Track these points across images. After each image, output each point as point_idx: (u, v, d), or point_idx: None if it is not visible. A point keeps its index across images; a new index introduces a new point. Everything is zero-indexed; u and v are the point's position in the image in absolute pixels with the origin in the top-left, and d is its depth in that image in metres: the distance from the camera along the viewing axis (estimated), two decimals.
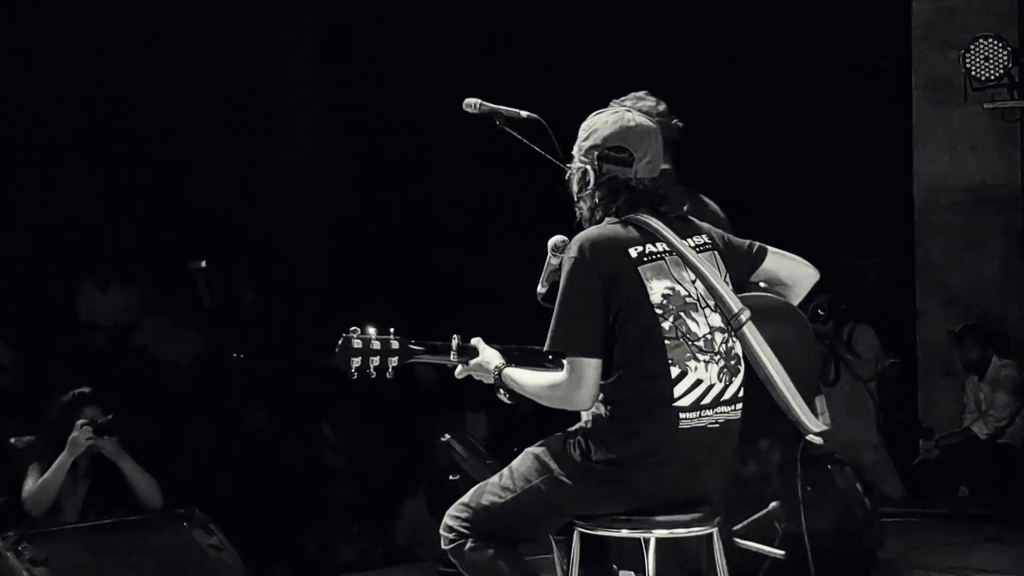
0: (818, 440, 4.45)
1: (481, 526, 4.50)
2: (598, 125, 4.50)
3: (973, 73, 10.29)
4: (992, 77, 10.27)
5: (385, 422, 11.53)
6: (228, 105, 14.00)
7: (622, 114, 4.52)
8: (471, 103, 5.44)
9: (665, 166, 4.62)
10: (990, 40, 10.27)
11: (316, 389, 11.14)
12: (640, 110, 4.81)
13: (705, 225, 4.59)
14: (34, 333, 11.99)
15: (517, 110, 5.28)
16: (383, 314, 12.93)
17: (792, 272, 4.68)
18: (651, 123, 4.53)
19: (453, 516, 4.56)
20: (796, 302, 4.68)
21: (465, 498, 4.57)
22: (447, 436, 10.05)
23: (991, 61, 10.24)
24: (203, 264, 12.96)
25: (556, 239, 4.76)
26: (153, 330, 12.34)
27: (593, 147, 4.46)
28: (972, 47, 10.30)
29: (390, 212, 14.23)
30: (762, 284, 4.63)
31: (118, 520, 6.74)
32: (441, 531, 4.58)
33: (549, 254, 4.76)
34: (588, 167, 4.46)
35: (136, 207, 14.42)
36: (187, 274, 13.07)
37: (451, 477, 9.68)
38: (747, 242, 4.64)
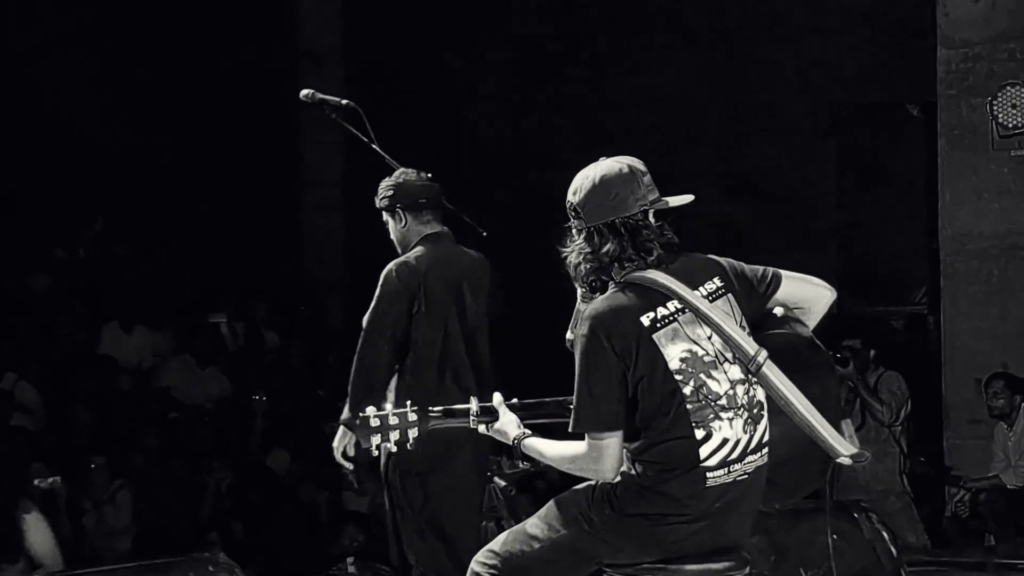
0: (849, 462, 4.40)
1: (509, 573, 4.48)
2: (579, 182, 4.46)
3: (1000, 120, 10.27)
4: (1019, 124, 10.25)
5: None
6: (251, 147, 14.02)
7: (589, 166, 4.49)
8: (306, 94, 6.55)
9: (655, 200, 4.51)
10: (1017, 87, 10.25)
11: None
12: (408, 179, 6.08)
13: (712, 262, 4.51)
14: (58, 375, 12.02)
15: (339, 99, 6.44)
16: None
17: (808, 294, 4.63)
18: (617, 163, 4.44)
19: (481, 563, 4.54)
20: (813, 324, 4.64)
21: (494, 544, 4.55)
22: (496, 480, 10.06)
23: (1018, 108, 10.23)
24: (224, 319, 13.00)
25: None
26: (176, 372, 12.36)
27: (574, 204, 4.43)
28: (999, 94, 10.28)
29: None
30: (778, 310, 4.59)
31: (144, 563, 6.72)
32: None
33: (579, 300, 4.75)
34: (573, 224, 4.45)
35: (159, 250, 14.47)
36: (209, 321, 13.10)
37: (484, 523, 9.69)
38: (760, 269, 4.57)
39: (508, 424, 4.54)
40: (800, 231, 12.59)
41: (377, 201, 6.48)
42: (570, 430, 4.35)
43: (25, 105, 14.47)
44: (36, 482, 9.81)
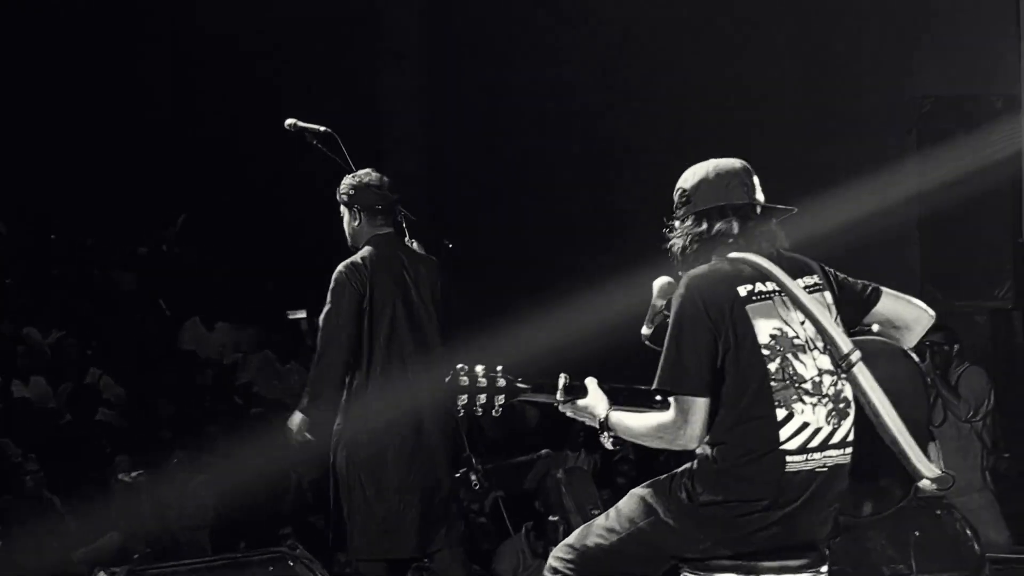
0: (932, 486, 4.37)
1: (586, 568, 4.47)
2: (687, 175, 4.56)
3: None
4: None
5: (487, 459, 11.51)
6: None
7: (699, 164, 4.57)
8: (289, 123, 7.16)
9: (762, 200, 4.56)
10: None
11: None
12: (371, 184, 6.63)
13: (816, 265, 4.53)
14: (142, 370, 12.15)
15: (317, 127, 7.03)
16: (491, 344, 12.95)
17: (906, 314, 4.60)
18: (725, 162, 4.53)
19: (558, 558, 4.54)
20: (910, 345, 4.61)
21: (570, 539, 4.55)
22: (560, 473, 10.08)
23: None
24: (303, 315, 13.08)
25: (662, 280, 4.74)
26: (257, 368, 12.45)
27: (683, 193, 4.51)
28: None
29: (500, 251, 14.21)
30: (875, 327, 4.56)
31: (224, 557, 6.77)
32: (545, 572, 4.55)
33: (654, 295, 4.74)
34: (679, 218, 4.51)
35: (241, 249, 14.60)
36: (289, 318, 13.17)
37: (551, 518, 9.71)
38: (860, 283, 4.57)
39: (596, 401, 4.52)
40: (882, 226, 12.48)
41: (338, 194, 6.95)
42: (653, 386, 4.33)
43: (109, 106, 14.66)
44: (119, 476, 9.94)
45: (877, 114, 12.89)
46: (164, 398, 11.49)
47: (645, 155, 12.77)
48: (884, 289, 4.58)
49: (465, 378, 4.54)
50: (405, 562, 6.89)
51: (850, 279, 4.57)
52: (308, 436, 6.86)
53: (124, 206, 15.45)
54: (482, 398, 4.52)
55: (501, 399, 4.53)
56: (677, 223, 4.50)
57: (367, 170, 6.98)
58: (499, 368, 4.57)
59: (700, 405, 4.28)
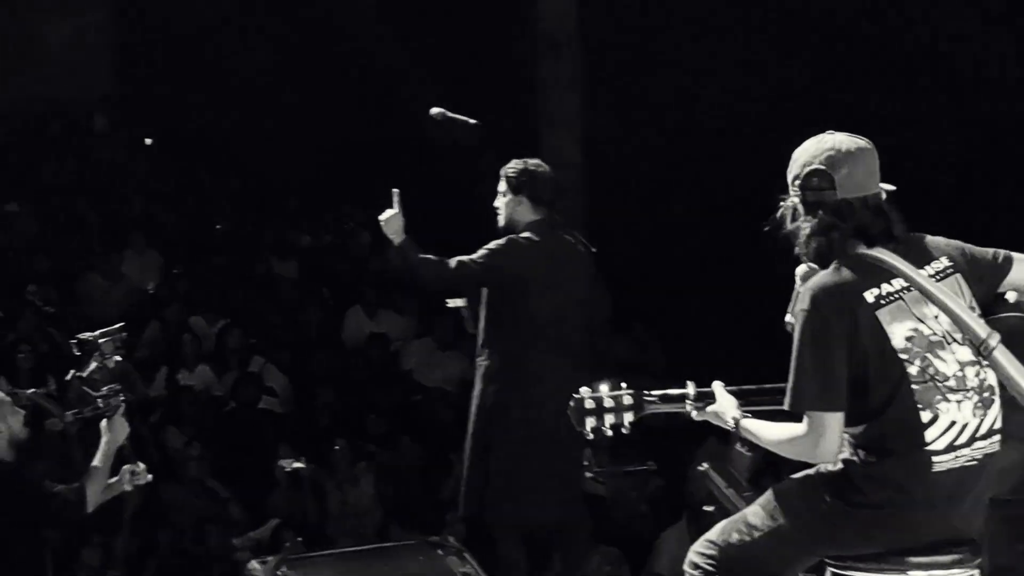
0: None
1: (727, 564, 4.40)
2: (797, 154, 4.33)
3: None
4: None
5: (646, 449, 11.44)
6: (490, 133, 14.12)
7: (820, 137, 4.33)
8: (436, 112, 7.22)
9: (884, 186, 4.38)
10: None
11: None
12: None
13: (942, 243, 4.34)
14: (304, 359, 12.29)
15: (467, 118, 7.08)
16: (643, 338, 12.81)
17: None
18: (856, 141, 4.30)
19: (699, 553, 4.47)
20: None
21: (712, 535, 4.48)
22: (705, 465, 9.96)
23: None
24: (464, 303, 13.11)
25: (805, 267, 4.62)
26: (418, 355, 12.51)
27: (795, 177, 4.30)
28: None
29: (655, 247, 14.13)
30: (1011, 296, 4.39)
31: (375, 547, 6.83)
32: (686, 567, 4.49)
33: (798, 282, 4.63)
34: (796, 199, 4.30)
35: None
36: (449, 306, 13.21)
37: (705, 508, 9.60)
38: (991, 251, 4.37)
39: (727, 406, 4.44)
40: None
41: (504, 175, 7.00)
42: (787, 407, 4.20)
43: (266, 100, 14.88)
44: (281, 464, 10.07)
45: None
46: (326, 386, 11.60)
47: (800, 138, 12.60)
48: (1015, 255, 4.39)
49: (590, 402, 4.50)
50: (539, 533, 6.94)
51: (978, 250, 4.37)
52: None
53: (287, 194, 15.70)
54: (610, 418, 4.49)
55: (630, 416, 4.49)
56: (803, 207, 4.28)
57: (537, 160, 7.10)
58: (623, 384, 4.52)
59: (834, 420, 4.15)
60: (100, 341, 5.94)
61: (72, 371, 5.92)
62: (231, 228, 14.84)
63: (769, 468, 10.69)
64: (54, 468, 8.86)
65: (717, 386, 4.51)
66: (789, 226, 4.34)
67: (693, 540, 9.62)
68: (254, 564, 6.26)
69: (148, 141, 16.89)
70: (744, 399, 4.47)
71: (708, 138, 13.67)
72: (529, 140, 14.52)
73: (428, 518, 9.89)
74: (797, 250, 4.34)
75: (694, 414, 4.52)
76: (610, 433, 4.51)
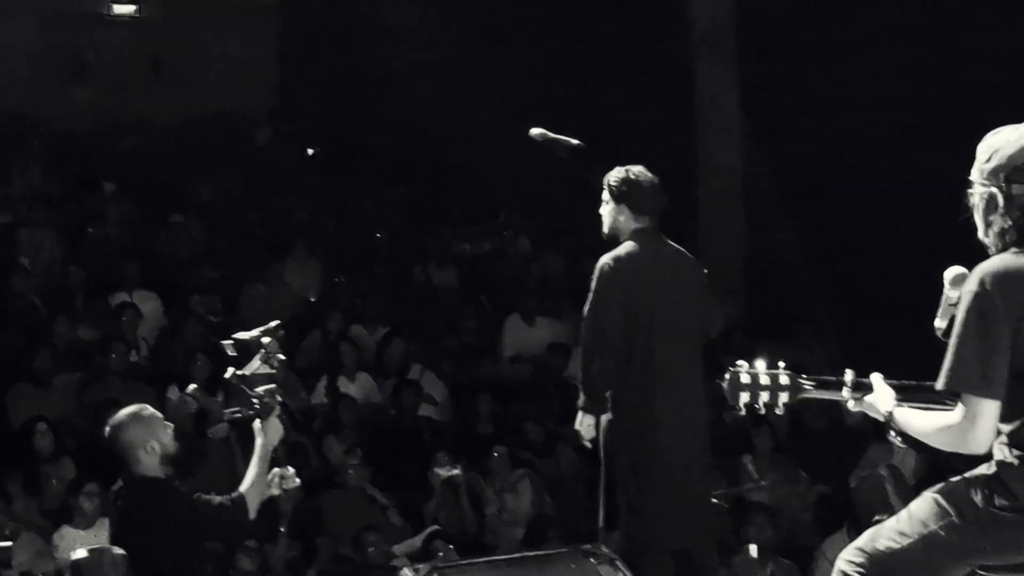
0: None
1: (877, 571, 4.31)
2: (1000, 144, 4.19)
3: None
4: None
5: (807, 456, 11.29)
6: (646, 136, 14.06)
7: (1020, 128, 4.21)
8: (537, 133, 7.12)
9: None
10: None
11: (735, 421, 10.99)
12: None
13: None
14: (463, 366, 12.34)
15: (569, 139, 6.97)
16: (805, 345, 12.62)
17: None
18: None
19: (847, 561, 4.38)
20: None
21: (860, 542, 4.39)
22: (882, 471, 9.77)
23: None
24: None
25: (954, 271, 4.50)
26: (576, 363, 12.45)
27: (998, 168, 4.16)
28: None
29: (814, 244, 13.96)
30: None
31: (526, 554, 6.80)
32: (834, 575, 4.40)
33: (946, 287, 4.51)
34: (995, 189, 4.16)
35: (560, 241, 14.70)
36: None
37: (877, 517, 9.41)
38: None
39: (882, 397, 4.35)
40: None
41: (606, 184, 6.94)
42: (941, 386, 4.09)
43: (426, 110, 14.97)
44: (436, 471, 10.10)
45: None
46: (484, 393, 11.62)
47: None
48: None
49: (747, 376, 4.43)
50: (674, 553, 6.88)
51: None
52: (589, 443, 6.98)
53: (448, 203, 15.79)
54: (765, 396, 4.41)
55: (785, 397, 4.41)
56: (1003, 200, 4.15)
57: (641, 168, 7.01)
58: (781, 365, 4.44)
59: (989, 408, 4.03)
60: (264, 340, 5.94)
61: (232, 369, 5.91)
62: (391, 237, 14.95)
63: (932, 474, 10.54)
64: (215, 476, 9.04)
65: (876, 377, 4.41)
66: (981, 216, 4.22)
67: None
68: (406, 572, 6.26)
69: (310, 152, 17.11)
70: (903, 393, 4.37)
71: (868, 143, 13.47)
72: (686, 145, 14.50)
73: (585, 526, 9.84)
74: (985, 240, 4.22)
75: (850, 403, 4.43)
76: (763, 411, 4.46)
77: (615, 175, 6.96)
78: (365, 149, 16.69)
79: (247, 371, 5.86)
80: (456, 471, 10.12)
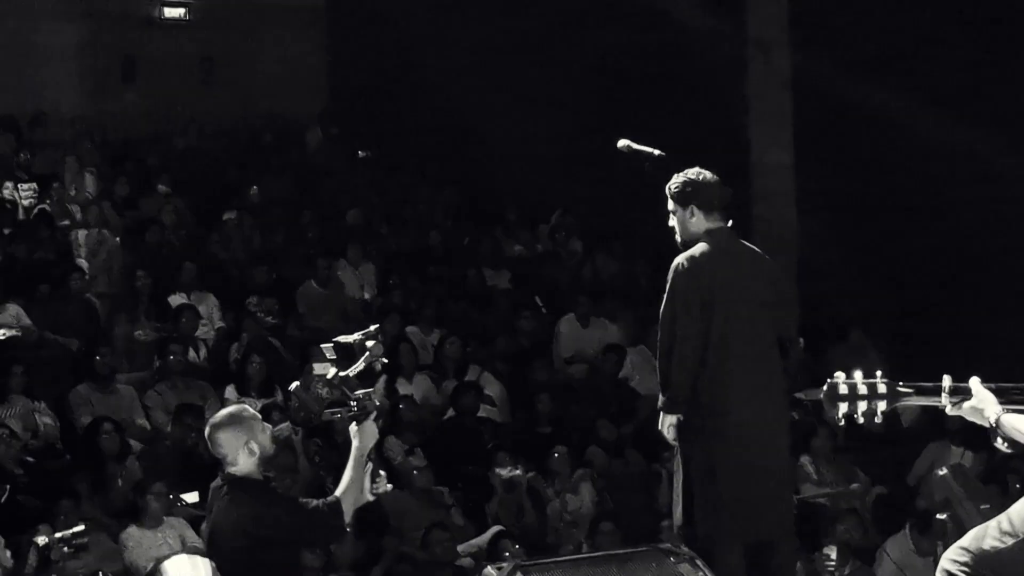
0: None
1: (982, 571, 4.33)
2: None
3: None
4: None
5: (865, 456, 11.30)
6: (699, 136, 14.08)
7: None
8: (622, 145, 6.94)
9: None
10: None
11: (793, 422, 11.00)
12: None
13: None
14: (520, 367, 12.37)
15: (652, 149, 6.81)
16: (861, 345, 12.57)
17: None
18: None
19: (952, 560, 4.40)
20: None
21: (964, 542, 4.41)
22: (944, 471, 9.77)
23: None
24: None
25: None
26: (633, 363, 12.51)
27: None
28: None
29: (871, 249, 13.92)
30: None
31: (607, 553, 6.82)
32: (938, 574, 4.42)
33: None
34: None
35: (614, 243, 14.71)
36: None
37: (938, 516, 9.42)
38: None
39: (986, 402, 4.37)
40: None
41: (668, 191, 6.80)
42: None
43: (477, 112, 15.01)
44: (497, 471, 10.14)
45: None
46: (543, 393, 11.65)
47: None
48: None
49: (844, 387, 4.45)
50: (752, 546, 6.86)
51: None
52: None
53: (503, 205, 15.83)
54: (863, 405, 4.43)
55: (883, 405, 4.44)
56: None
57: (697, 168, 6.87)
58: (878, 373, 4.47)
59: None
60: (368, 344, 5.89)
61: (334, 371, 5.88)
62: (446, 239, 15.00)
63: (994, 476, 10.52)
64: (277, 477, 9.07)
65: (974, 381, 4.44)
66: None
67: (917, 549, 9.48)
68: (489, 570, 6.29)
69: (362, 154, 17.18)
70: (1003, 396, 4.39)
71: (918, 141, 13.43)
72: (739, 144, 14.50)
73: (644, 526, 9.87)
74: None
75: (949, 408, 4.45)
76: (862, 421, 4.46)
77: (675, 181, 6.83)
78: (416, 151, 16.75)
79: (351, 372, 5.86)
80: (517, 471, 10.16)
